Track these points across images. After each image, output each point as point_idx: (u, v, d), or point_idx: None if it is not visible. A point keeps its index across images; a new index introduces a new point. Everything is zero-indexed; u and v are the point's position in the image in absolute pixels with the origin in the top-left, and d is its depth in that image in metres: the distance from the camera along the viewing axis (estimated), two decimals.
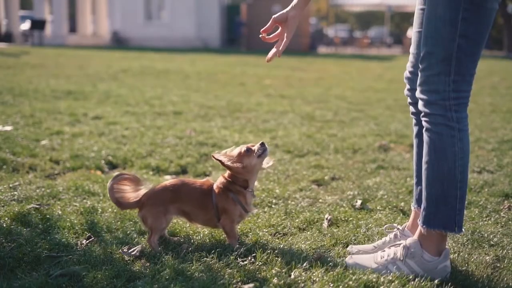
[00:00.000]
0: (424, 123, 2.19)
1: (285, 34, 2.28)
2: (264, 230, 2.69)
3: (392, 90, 10.03)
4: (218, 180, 2.51)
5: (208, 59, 18.30)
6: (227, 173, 2.49)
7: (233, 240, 2.45)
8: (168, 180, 3.68)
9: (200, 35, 30.29)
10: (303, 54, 24.57)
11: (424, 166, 2.20)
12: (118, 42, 30.49)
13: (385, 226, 2.58)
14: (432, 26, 2.09)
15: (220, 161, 2.42)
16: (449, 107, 2.11)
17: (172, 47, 26.94)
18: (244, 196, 2.46)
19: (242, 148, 2.45)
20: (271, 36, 2.32)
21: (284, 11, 2.28)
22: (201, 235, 2.60)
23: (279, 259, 2.29)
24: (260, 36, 2.32)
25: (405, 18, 44.67)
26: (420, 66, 2.16)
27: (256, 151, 2.43)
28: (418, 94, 2.18)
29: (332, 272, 2.17)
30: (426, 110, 2.16)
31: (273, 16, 2.29)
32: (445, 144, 2.13)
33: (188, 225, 2.75)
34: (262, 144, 2.45)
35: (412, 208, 2.50)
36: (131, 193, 2.51)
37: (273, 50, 2.28)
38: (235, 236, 2.47)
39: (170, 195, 2.46)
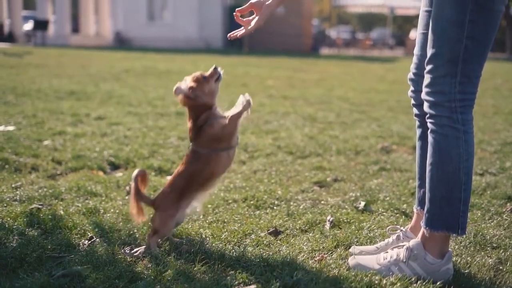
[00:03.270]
0: (429, 125, 2.19)
1: (255, 20, 2.32)
2: (266, 231, 2.69)
3: (394, 91, 10.02)
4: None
5: (210, 60, 18.29)
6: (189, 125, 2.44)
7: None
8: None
9: (202, 35, 30.29)
10: (306, 55, 24.58)
11: (428, 168, 2.20)
12: (121, 42, 30.51)
13: (388, 228, 2.58)
14: (439, 28, 2.09)
15: (185, 94, 2.38)
16: (455, 109, 2.11)
17: (175, 48, 26.95)
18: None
19: (196, 75, 2.41)
20: (244, 19, 2.36)
21: None
22: (203, 235, 2.60)
23: (281, 261, 2.29)
24: (234, 14, 2.37)
25: (407, 20, 44.61)
26: (426, 68, 2.16)
27: (213, 76, 2.43)
28: (423, 95, 2.18)
29: (334, 274, 2.16)
30: (432, 112, 2.15)
31: (250, 1, 2.34)
32: (450, 146, 2.13)
33: (189, 225, 2.75)
34: (215, 69, 2.44)
35: (415, 210, 2.49)
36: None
37: (241, 29, 2.35)
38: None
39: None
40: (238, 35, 2.34)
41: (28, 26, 30.45)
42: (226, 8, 31.08)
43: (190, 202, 2.45)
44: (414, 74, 2.39)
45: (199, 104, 2.41)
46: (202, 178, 2.42)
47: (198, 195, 2.46)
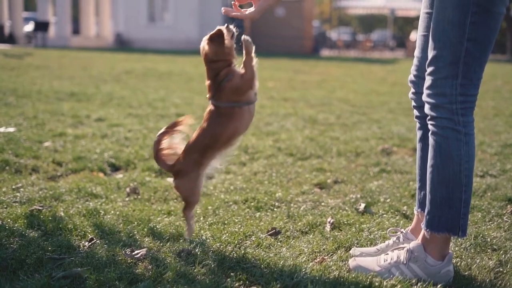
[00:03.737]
0: (430, 127, 2.19)
1: (251, 11, 2.29)
2: (267, 232, 2.69)
3: (395, 93, 10.02)
4: None
5: None
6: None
7: None
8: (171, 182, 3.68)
9: (203, 37, 29.90)
10: (306, 56, 24.59)
11: (429, 170, 2.20)
12: (121, 44, 30.54)
13: (388, 230, 2.57)
14: (440, 30, 2.09)
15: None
16: (456, 110, 2.11)
17: (175, 49, 26.97)
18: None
19: (209, 36, 2.39)
20: (242, 9, 2.34)
21: None
22: (203, 237, 2.60)
23: (282, 262, 2.29)
24: (232, 2, 2.35)
25: (408, 21, 44.63)
26: (427, 70, 2.16)
27: (230, 34, 2.37)
28: (424, 97, 2.18)
29: (334, 275, 2.16)
30: (433, 114, 2.15)
31: None
32: (451, 148, 2.13)
33: None
34: (227, 27, 2.38)
35: (415, 212, 2.49)
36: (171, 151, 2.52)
37: (236, 11, 2.32)
38: None
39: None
40: (229, 14, 2.31)
41: (29, 27, 30.49)
42: None
43: (210, 162, 2.43)
44: (414, 76, 2.39)
45: (218, 61, 2.37)
46: (226, 135, 2.38)
47: (219, 154, 2.44)
